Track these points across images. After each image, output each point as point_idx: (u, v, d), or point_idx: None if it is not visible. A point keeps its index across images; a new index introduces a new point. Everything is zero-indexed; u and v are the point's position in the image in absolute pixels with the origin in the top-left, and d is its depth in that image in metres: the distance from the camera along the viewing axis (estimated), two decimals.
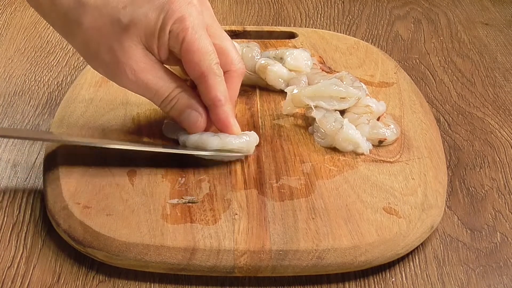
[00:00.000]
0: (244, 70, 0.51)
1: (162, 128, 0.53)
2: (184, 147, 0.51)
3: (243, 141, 0.50)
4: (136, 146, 0.51)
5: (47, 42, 0.76)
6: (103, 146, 0.51)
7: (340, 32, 0.78)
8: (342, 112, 0.55)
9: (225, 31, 0.52)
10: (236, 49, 0.51)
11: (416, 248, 0.48)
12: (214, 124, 0.50)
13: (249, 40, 0.69)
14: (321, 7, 0.87)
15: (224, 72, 0.49)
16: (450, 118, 0.64)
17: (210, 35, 0.48)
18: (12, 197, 0.52)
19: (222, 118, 0.49)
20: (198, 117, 0.49)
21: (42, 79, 0.68)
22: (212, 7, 0.51)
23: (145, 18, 0.45)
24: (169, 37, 0.46)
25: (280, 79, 0.60)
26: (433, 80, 0.70)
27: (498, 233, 0.50)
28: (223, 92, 0.48)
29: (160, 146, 0.52)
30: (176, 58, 0.49)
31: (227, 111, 0.49)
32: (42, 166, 0.53)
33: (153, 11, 0.45)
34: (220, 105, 0.48)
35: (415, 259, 0.48)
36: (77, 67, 0.71)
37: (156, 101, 0.49)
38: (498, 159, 0.58)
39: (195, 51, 0.46)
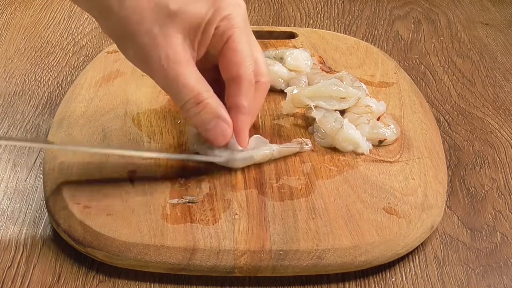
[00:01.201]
0: (269, 85, 0.50)
1: (188, 139, 0.52)
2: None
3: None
4: (134, 151, 0.50)
5: (47, 42, 0.76)
6: (102, 151, 0.50)
7: (340, 32, 0.78)
8: (342, 112, 0.55)
9: None
10: (266, 63, 0.49)
11: (416, 248, 0.48)
12: None
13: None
14: (321, 7, 0.87)
15: None
16: (450, 118, 0.64)
17: None
18: (12, 197, 0.52)
19: (238, 125, 0.47)
20: (227, 129, 0.47)
21: (42, 79, 0.68)
22: None
23: (194, 9, 0.44)
24: (214, 33, 0.45)
25: (280, 79, 0.60)
26: (433, 80, 0.70)
27: (498, 233, 0.50)
28: (250, 100, 0.47)
29: (157, 151, 0.52)
30: (204, 62, 0.48)
31: (245, 122, 0.47)
32: (42, 166, 0.53)
33: (204, 4, 0.44)
34: (243, 113, 0.47)
35: (415, 259, 0.48)
36: (77, 67, 0.71)
37: (181, 99, 0.45)
38: (498, 159, 0.58)
39: (238, 52, 0.45)
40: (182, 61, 0.44)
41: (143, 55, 0.44)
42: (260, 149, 0.50)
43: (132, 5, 0.43)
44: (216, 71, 0.49)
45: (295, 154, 0.52)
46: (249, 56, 0.46)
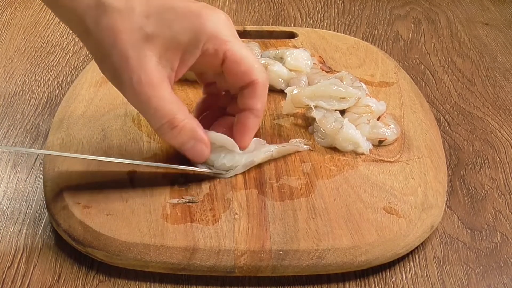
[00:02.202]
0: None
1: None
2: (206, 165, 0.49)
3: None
4: (132, 161, 0.49)
5: (47, 42, 0.76)
6: (99, 159, 0.49)
7: (340, 32, 0.78)
8: (342, 112, 0.55)
9: None
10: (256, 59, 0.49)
11: (416, 248, 0.48)
12: (235, 127, 0.49)
13: (249, 40, 0.69)
14: (321, 7, 0.87)
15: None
16: (450, 118, 0.64)
17: None
18: (12, 197, 0.52)
19: (249, 127, 0.48)
20: (205, 149, 0.47)
21: (42, 79, 0.68)
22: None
23: (171, 32, 0.43)
24: (203, 54, 0.44)
25: (280, 79, 0.60)
26: (433, 80, 0.70)
27: (498, 233, 0.50)
28: (264, 103, 0.47)
29: (153, 161, 0.51)
30: (201, 79, 0.48)
31: (256, 124, 0.48)
32: (42, 166, 0.53)
33: (181, 27, 0.43)
34: (255, 116, 0.48)
35: (415, 259, 0.48)
36: (77, 67, 0.71)
37: (155, 122, 0.45)
38: (498, 159, 0.58)
39: (242, 61, 0.45)
40: (155, 84, 0.43)
41: (116, 77, 0.44)
42: (259, 151, 0.50)
43: (107, 27, 0.43)
44: (212, 86, 0.51)
45: (295, 154, 0.52)
46: (254, 60, 0.46)
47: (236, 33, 0.47)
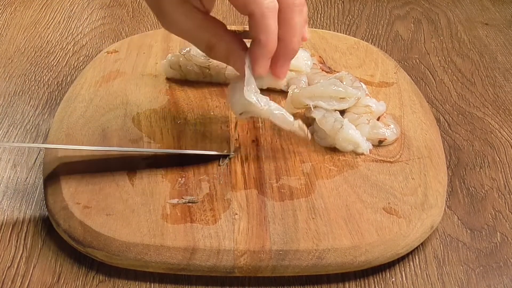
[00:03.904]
0: (300, 1, 0.48)
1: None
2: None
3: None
4: (134, 149, 0.50)
5: (47, 42, 0.76)
6: (101, 149, 0.50)
7: (340, 32, 0.78)
8: (342, 112, 0.55)
9: None
10: None
11: (416, 248, 0.48)
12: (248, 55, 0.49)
13: (249, 40, 0.69)
14: (321, 7, 0.87)
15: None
16: (450, 118, 0.64)
17: None
18: (12, 197, 0.52)
19: (255, 56, 0.48)
20: (243, 62, 0.48)
21: (42, 79, 0.68)
22: None
23: None
24: None
25: None
26: (433, 80, 0.70)
27: (498, 233, 0.50)
28: (270, 32, 0.46)
29: (157, 148, 0.52)
30: None
31: (263, 55, 0.47)
32: (42, 166, 0.53)
33: None
34: (260, 46, 0.47)
35: (415, 259, 0.48)
36: (77, 67, 0.71)
37: (196, 47, 0.49)
38: (498, 159, 0.58)
39: None
40: (182, 18, 0.46)
41: (154, 11, 0.47)
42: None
43: None
44: None
45: (295, 154, 0.52)
46: None
47: None
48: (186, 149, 0.53)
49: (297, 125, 0.51)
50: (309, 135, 0.52)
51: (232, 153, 0.52)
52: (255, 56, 0.48)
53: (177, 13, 0.46)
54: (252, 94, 0.48)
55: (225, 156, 0.51)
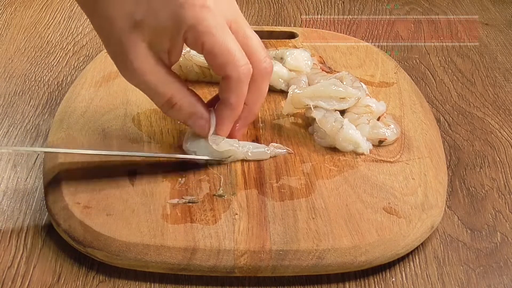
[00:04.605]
0: (271, 68, 0.49)
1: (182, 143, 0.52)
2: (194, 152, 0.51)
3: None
4: (134, 153, 0.51)
5: (47, 42, 0.76)
6: (101, 153, 0.51)
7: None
8: (343, 112, 0.55)
9: None
10: (262, 46, 0.49)
11: (416, 248, 0.48)
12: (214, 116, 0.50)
13: None
14: (321, 7, 0.87)
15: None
16: (450, 118, 0.64)
17: (233, 32, 0.46)
18: (12, 197, 0.52)
19: (222, 117, 0.49)
20: (205, 124, 0.49)
21: (42, 79, 0.68)
22: None
23: (155, 19, 0.44)
24: (186, 43, 0.45)
25: (280, 79, 0.60)
26: (433, 80, 0.70)
27: (498, 233, 0.50)
28: (239, 96, 0.48)
29: (157, 152, 0.52)
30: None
31: (230, 116, 0.49)
32: (42, 166, 0.53)
33: (166, 15, 0.44)
34: (229, 109, 0.48)
35: (415, 259, 0.48)
36: (77, 67, 0.71)
37: (156, 102, 0.48)
38: (498, 159, 0.58)
39: (218, 54, 0.45)
40: (147, 70, 0.46)
41: (118, 63, 0.46)
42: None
43: (103, 14, 0.45)
44: None
45: (295, 154, 0.52)
46: (233, 52, 0.46)
47: (239, 21, 0.47)
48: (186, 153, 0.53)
49: (275, 151, 0.52)
50: (290, 149, 0.53)
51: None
52: (222, 117, 0.49)
53: (142, 63, 0.45)
54: (226, 143, 0.50)
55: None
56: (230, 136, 0.51)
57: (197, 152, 0.50)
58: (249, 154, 0.51)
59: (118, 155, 0.51)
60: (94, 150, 0.51)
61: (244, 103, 0.48)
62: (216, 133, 0.50)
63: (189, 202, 0.47)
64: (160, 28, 0.44)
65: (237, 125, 0.50)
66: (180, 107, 0.47)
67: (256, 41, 0.48)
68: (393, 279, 0.46)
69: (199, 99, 0.49)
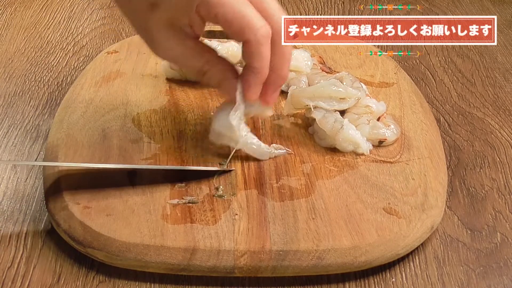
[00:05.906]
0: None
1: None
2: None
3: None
4: (134, 166, 0.51)
5: (47, 42, 0.76)
6: (100, 166, 0.50)
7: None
8: (342, 113, 0.55)
9: None
10: (279, 8, 0.48)
11: (416, 248, 0.48)
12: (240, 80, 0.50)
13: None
14: (321, 7, 0.87)
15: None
16: (450, 118, 0.64)
17: None
18: (12, 197, 0.52)
19: (249, 83, 0.48)
20: (234, 89, 0.49)
21: (42, 79, 0.68)
22: None
23: None
24: (201, 16, 0.46)
25: None
26: (433, 80, 0.70)
27: (498, 233, 0.50)
28: (263, 59, 0.47)
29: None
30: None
31: (256, 81, 0.48)
32: (42, 166, 0.53)
33: None
34: (254, 73, 0.48)
35: (415, 259, 0.48)
36: (77, 67, 0.71)
37: (190, 72, 0.51)
38: (498, 159, 0.58)
39: (232, 21, 0.45)
40: (174, 46, 0.47)
41: (145, 41, 0.48)
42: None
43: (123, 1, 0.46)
44: None
45: (295, 154, 0.52)
46: (249, 16, 0.45)
47: None
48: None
49: (274, 152, 0.52)
50: (290, 150, 0.53)
51: (233, 168, 0.51)
52: (248, 82, 0.49)
53: (168, 40, 0.46)
54: (236, 119, 0.50)
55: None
56: (264, 102, 0.50)
57: (222, 132, 0.50)
58: (247, 147, 0.51)
59: (117, 168, 0.51)
60: (93, 164, 0.51)
61: (270, 66, 0.48)
62: (245, 98, 0.49)
63: (189, 203, 0.47)
64: (174, 6, 0.45)
65: (268, 90, 0.50)
66: (210, 76, 0.49)
67: (272, 4, 0.48)
68: (393, 280, 0.46)
69: (229, 65, 0.50)
